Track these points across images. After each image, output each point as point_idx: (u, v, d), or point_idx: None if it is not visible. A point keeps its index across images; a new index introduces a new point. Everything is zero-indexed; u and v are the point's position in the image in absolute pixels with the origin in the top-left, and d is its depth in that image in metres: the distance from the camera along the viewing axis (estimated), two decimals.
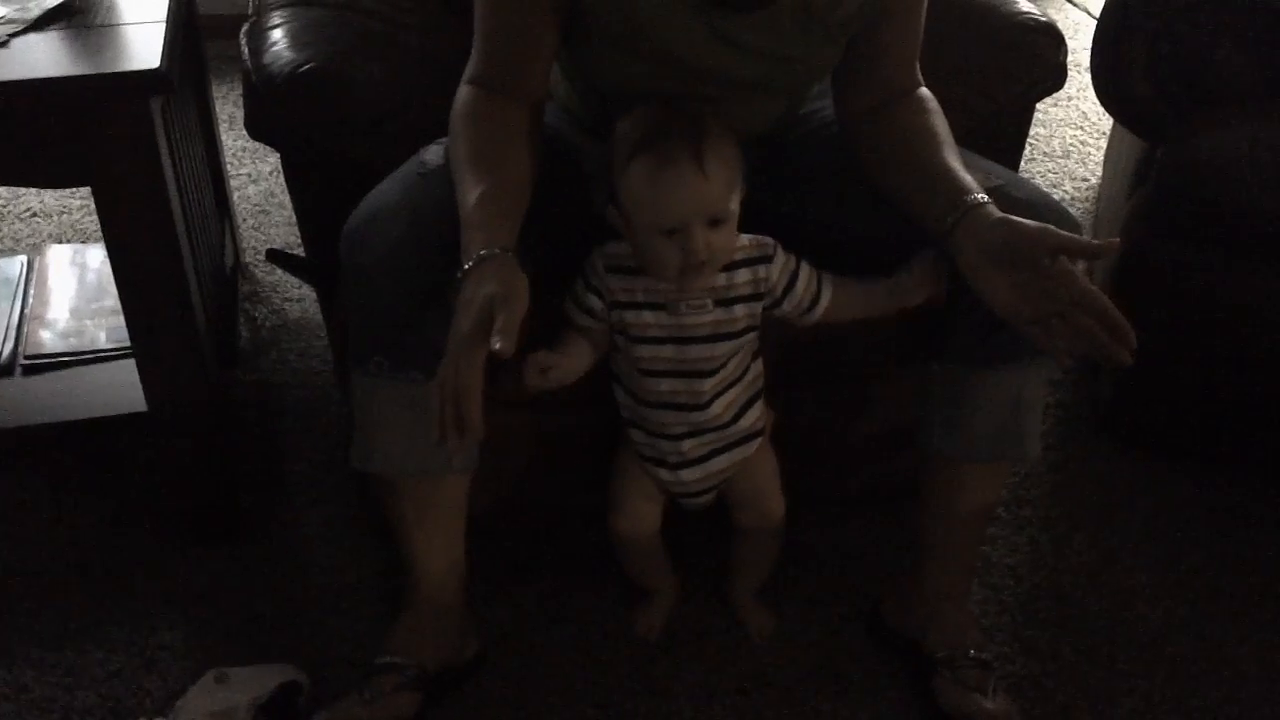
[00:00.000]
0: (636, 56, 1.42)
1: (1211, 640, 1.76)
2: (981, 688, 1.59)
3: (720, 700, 1.66)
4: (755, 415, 1.55)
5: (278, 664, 1.63)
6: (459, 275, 1.28)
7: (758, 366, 1.54)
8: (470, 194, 1.33)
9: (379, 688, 1.55)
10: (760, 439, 1.57)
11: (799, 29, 1.41)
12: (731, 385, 1.51)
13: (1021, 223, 1.32)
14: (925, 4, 1.48)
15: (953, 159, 1.43)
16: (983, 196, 1.36)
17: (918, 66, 1.52)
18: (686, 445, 1.52)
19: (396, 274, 1.36)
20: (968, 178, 1.40)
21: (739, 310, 1.46)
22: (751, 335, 1.49)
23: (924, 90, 1.51)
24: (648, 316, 1.46)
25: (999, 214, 1.34)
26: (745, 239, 1.45)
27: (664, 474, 1.56)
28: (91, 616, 1.76)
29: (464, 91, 1.43)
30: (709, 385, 1.48)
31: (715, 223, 1.37)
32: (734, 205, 1.39)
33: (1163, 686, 1.69)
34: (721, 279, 1.45)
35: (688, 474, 1.55)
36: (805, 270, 1.47)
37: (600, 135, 1.51)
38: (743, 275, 1.45)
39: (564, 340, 1.48)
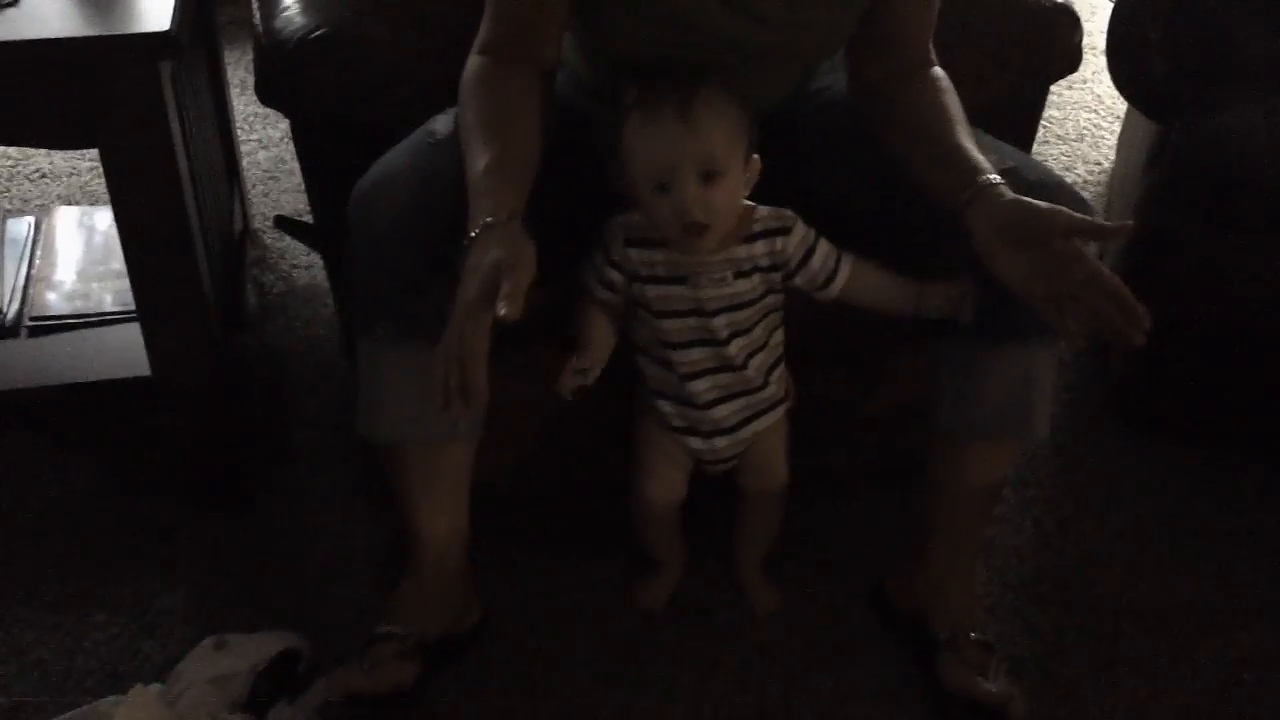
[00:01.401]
0: (650, 22, 1.41)
1: (1216, 622, 1.76)
2: (984, 669, 1.59)
3: (723, 674, 1.66)
4: (781, 381, 1.56)
5: (278, 631, 1.62)
6: (465, 242, 1.27)
7: (780, 335, 1.54)
8: (478, 161, 1.32)
9: (379, 656, 1.54)
10: (785, 405, 1.58)
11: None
12: (760, 349, 1.51)
13: (1034, 203, 1.32)
14: None
15: (965, 138, 1.42)
16: (996, 177, 1.36)
17: (931, 44, 1.51)
18: (720, 412, 1.53)
19: (404, 241, 1.36)
20: (980, 157, 1.39)
21: (756, 279, 1.46)
22: (773, 299, 1.50)
23: (937, 69, 1.50)
24: (669, 290, 1.45)
25: (1011, 194, 1.34)
26: (765, 210, 1.45)
27: (696, 443, 1.56)
28: (92, 580, 1.76)
29: (474, 60, 1.42)
30: (736, 349, 1.49)
31: (708, 177, 1.36)
32: (729, 160, 1.37)
33: (1167, 669, 1.69)
34: (741, 250, 1.44)
35: (720, 441, 1.55)
36: (824, 245, 1.47)
37: (612, 104, 1.50)
38: (760, 247, 1.45)
39: (586, 330, 1.48)
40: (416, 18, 1.63)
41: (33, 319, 1.91)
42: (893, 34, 1.48)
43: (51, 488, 1.91)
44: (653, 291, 1.46)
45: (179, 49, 1.49)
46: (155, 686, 1.55)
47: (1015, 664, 1.68)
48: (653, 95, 1.37)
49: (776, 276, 1.47)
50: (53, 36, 1.46)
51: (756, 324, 1.49)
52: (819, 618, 1.74)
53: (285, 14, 1.57)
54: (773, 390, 1.55)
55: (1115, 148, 2.60)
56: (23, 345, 1.87)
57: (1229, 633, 1.74)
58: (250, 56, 1.61)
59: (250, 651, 1.58)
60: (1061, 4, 1.73)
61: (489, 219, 1.26)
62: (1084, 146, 2.85)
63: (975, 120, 1.54)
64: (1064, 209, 1.31)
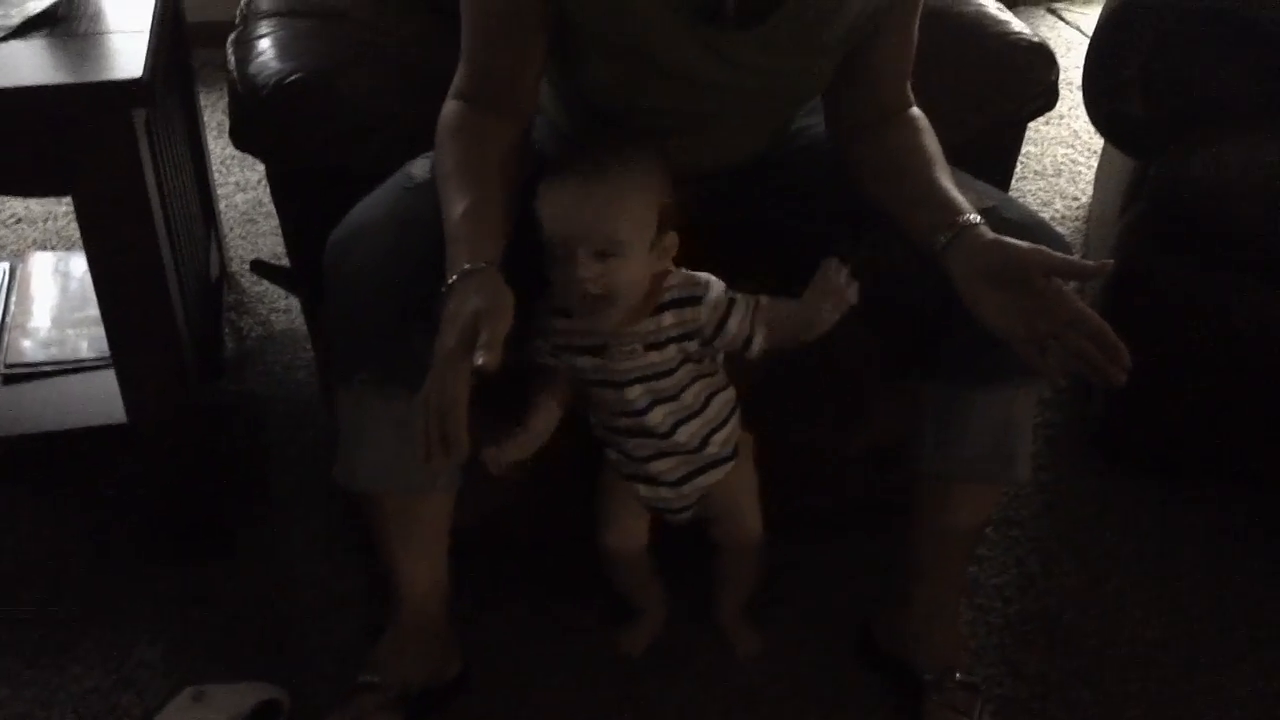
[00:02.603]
0: (628, 70, 1.40)
1: (1202, 662, 1.75)
2: (969, 711, 1.58)
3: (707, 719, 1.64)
4: (723, 440, 1.52)
5: (257, 682, 1.61)
6: (443, 289, 1.26)
7: (725, 397, 1.50)
8: (455, 207, 1.31)
9: (360, 707, 1.53)
10: (733, 462, 1.54)
11: (794, 45, 1.40)
12: (693, 416, 1.47)
13: (1014, 244, 1.32)
14: (916, 23, 1.47)
15: (944, 178, 1.42)
16: (975, 217, 1.36)
17: (909, 86, 1.51)
18: (657, 467, 1.50)
19: (381, 289, 1.34)
20: (960, 198, 1.39)
21: (671, 350, 1.41)
22: (700, 366, 1.46)
23: (915, 110, 1.51)
24: (583, 361, 1.43)
25: (992, 235, 1.34)
26: (678, 278, 1.41)
27: (643, 490, 1.54)
28: (68, 631, 1.74)
29: (450, 107, 1.41)
30: (659, 416, 1.45)
31: (603, 255, 1.33)
32: (629, 241, 1.33)
33: (1152, 710, 1.68)
34: (649, 323, 1.40)
35: (665, 492, 1.53)
36: (740, 310, 1.40)
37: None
38: (669, 318, 1.40)
39: (533, 405, 1.45)
40: (392, 64, 1.62)
41: (8, 366, 1.89)
42: (871, 78, 1.48)
43: (26, 537, 1.88)
44: (569, 360, 1.44)
45: (152, 96, 1.48)
46: None
47: (1001, 705, 1.66)
48: (563, 164, 1.34)
49: (693, 345, 1.42)
50: (24, 85, 1.45)
51: (684, 390, 1.45)
52: (802, 661, 1.72)
53: (260, 59, 1.57)
54: (714, 451, 1.51)
55: (1093, 183, 2.61)
56: None
57: (1215, 673, 1.73)
58: (227, 99, 1.60)
59: (229, 703, 1.57)
60: (1037, 43, 1.73)
61: (467, 266, 1.26)
62: (1061, 182, 2.87)
63: (954, 159, 1.54)
64: (1044, 249, 1.31)
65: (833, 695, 1.68)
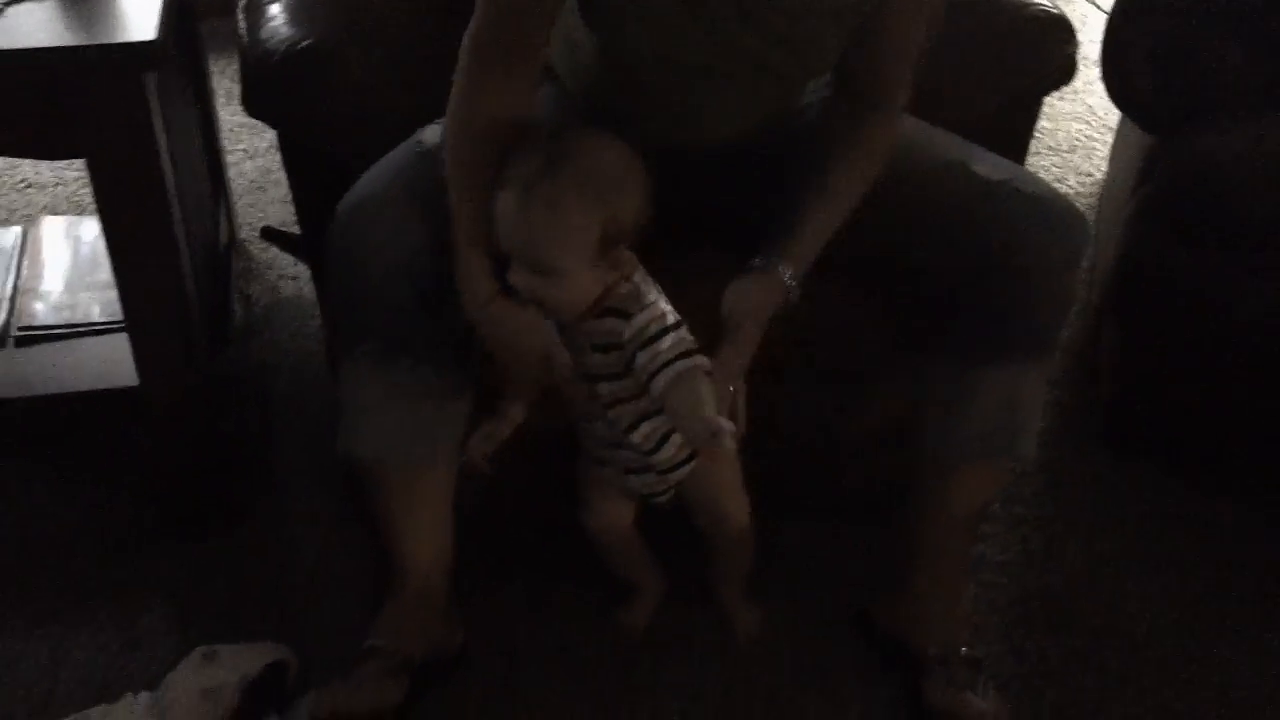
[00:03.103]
0: (664, 22, 1.36)
1: (1201, 645, 1.75)
2: (972, 686, 1.58)
3: (707, 699, 1.64)
4: (678, 445, 1.45)
5: (266, 643, 1.61)
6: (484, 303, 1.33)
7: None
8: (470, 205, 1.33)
9: (366, 673, 1.53)
10: (689, 466, 1.48)
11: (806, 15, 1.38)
12: (647, 418, 1.42)
13: (730, 325, 1.39)
14: (920, 29, 1.45)
15: (815, 220, 1.43)
16: (783, 270, 1.41)
17: (896, 87, 1.47)
18: (619, 454, 1.48)
19: (389, 260, 1.34)
20: (796, 248, 1.42)
21: (614, 355, 1.37)
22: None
23: (890, 121, 1.47)
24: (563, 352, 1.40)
25: (748, 291, 1.40)
26: (627, 288, 1.36)
27: (613, 476, 1.53)
28: (76, 594, 1.75)
29: (470, 63, 1.36)
30: (617, 413, 1.41)
31: (541, 271, 1.30)
32: (564, 262, 1.30)
33: (1152, 690, 1.68)
34: (590, 324, 1.36)
35: (634, 480, 1.51)
36: (664, 347, 1.33)
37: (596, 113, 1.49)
38: (607, 324, 1.36)
39: (502, 394, 1.46)
40: (403, 30, 1.62)
41: (20, 329, 1.90)
42: (870, 64, 1.45)
43: (36, 500, 1.89)
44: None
45: (164, 59, 1.48)
46: (145, 695, 1.54)
47: (1001, 682, 1.67)
48: (514, 167, 1.30)
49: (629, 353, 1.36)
50: (37, 46, 1.45)
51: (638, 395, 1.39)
52: (802, 642, 1.72)
53: (271, 25, 1.56)
54: (666, 455, 1.45)
55: (1107, 159, 2.60)
56: (9, 355, 1.86)
57: (1215, 656, 1.74)
58: (236, 66, 1.60)
59: (240, 662, 1.57)
60: (1056, 15, 1.71)
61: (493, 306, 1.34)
62: (1076, 158, 2.85)
63: (969, 133, 1.54)
64: (730, 359, 1.37)
65: (833, 676, 1.68)
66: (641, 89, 1.46)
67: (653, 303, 1.35)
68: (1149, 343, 1.29)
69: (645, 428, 1.42)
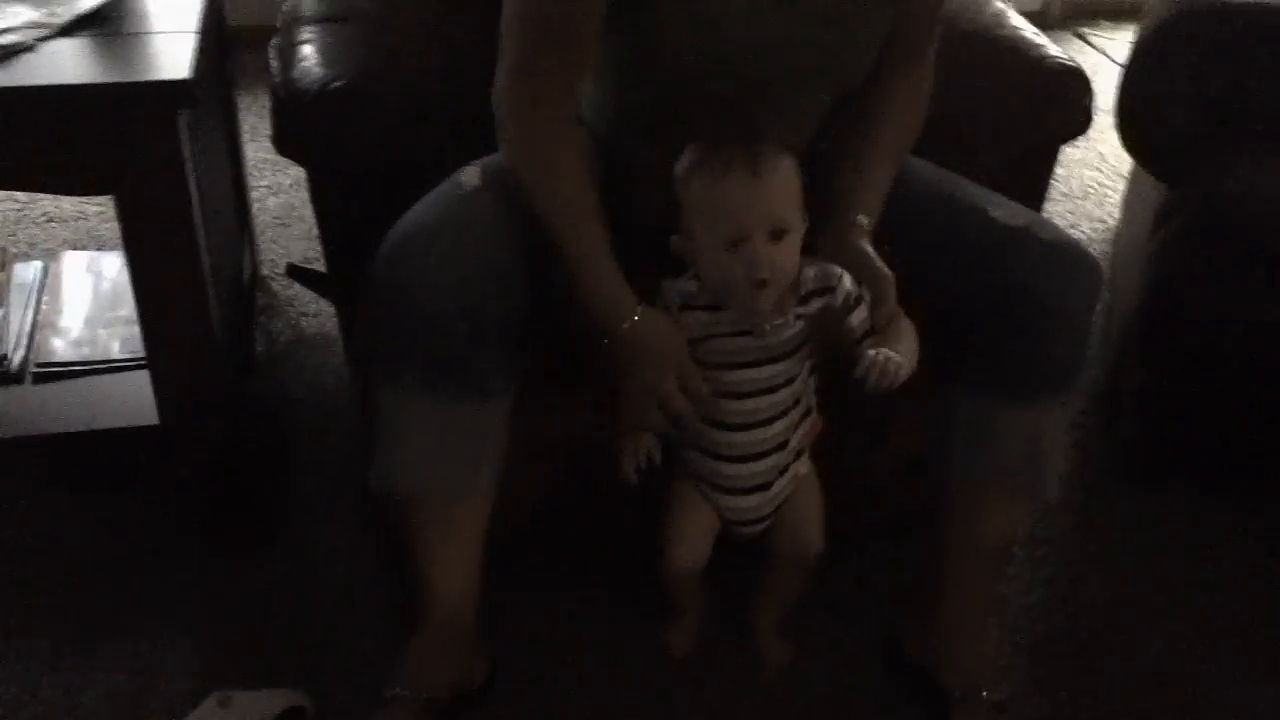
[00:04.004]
0: (704, 36, 1.40)
1: (1231, 683, 1.74)
2: None
3: None
4: (803, 431, 1.54)
5: (283, 689, 1.60)
6: (624, 328, 1.39)
7: (812, 383, 1.53)
8: (597, 234, 1.40)
9: (389, 717, 1.52)
10: (805, 458, 1.56)
11: (854, 19, 1.43)
12: (795, 404, 1.50)
13: (875, 264, 1.42)
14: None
15: (875, 168, 1.50)
16: (864, 219, 1.46)
17: (927, 40, 1.55)
18: (753, 468, 1.51)
19: (436, 293, 1.34)
20: (866, 196, 1.48)
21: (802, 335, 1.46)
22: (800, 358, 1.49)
23: (924, 74, 1.56)
24: (737, 343, 1.44)
25: (860, 245, 1.44)
26: (814, 266, 1.43)
27: (726, 500, 1.54)
28: (94, 632, 1.73)
29: (509, 108, 1.40)
30: (786, 395, 1.48)
31: (778, 234, 1.36)
32: (794, 217, 1.38)
33: None
34: (798, 307, 1.43)
35: (750, 500, 1.53)
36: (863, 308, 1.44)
37: (623, 141, 1.50)
38: (814, 305, 1.44)
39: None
40: (435, 70, 1.63)
41: (39, 365, 1.89)
42: (899, 20, 1.49)
43: (53, 537, 1.88)
44: (718, 345, 1.45)
45: (197, 98, 1.49)
46: None
47: None
48: (717, 154, 1.37)
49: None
50: (70, 83, 1.46)
51: (802, 370, 1.49)
52: (829, 674, 1.72)
53: (303, 65, 1.58)
54: (794, 443, 1.53)
55: (1120, 206, 2.61)
56: (28, 392, 1.85)
57: (1244, 694, 1.73)
58: (261, 102, 1.62)
59: (255, 709, 1.56)
60: (1073, 66, 1.73)
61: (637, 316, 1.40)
62: (1089, 204, 2.87)
63: (987, 181, 1.56)
64: (887, 282, 1.41)
65: (859, 709, 1.67)
66: (685, 104, 1.47)
67: (841, 271, 1.43)
68: (1174, 377, 1.31)
69: (780, 425, 1.49)
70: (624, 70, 1.50)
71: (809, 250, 1.43)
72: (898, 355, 1.37)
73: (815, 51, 1.46)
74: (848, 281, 1.42)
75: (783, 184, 1.37)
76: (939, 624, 1.64)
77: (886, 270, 1.42)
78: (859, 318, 1.43)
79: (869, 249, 1.44)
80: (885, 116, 1.53)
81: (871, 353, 1.36)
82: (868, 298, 1.42)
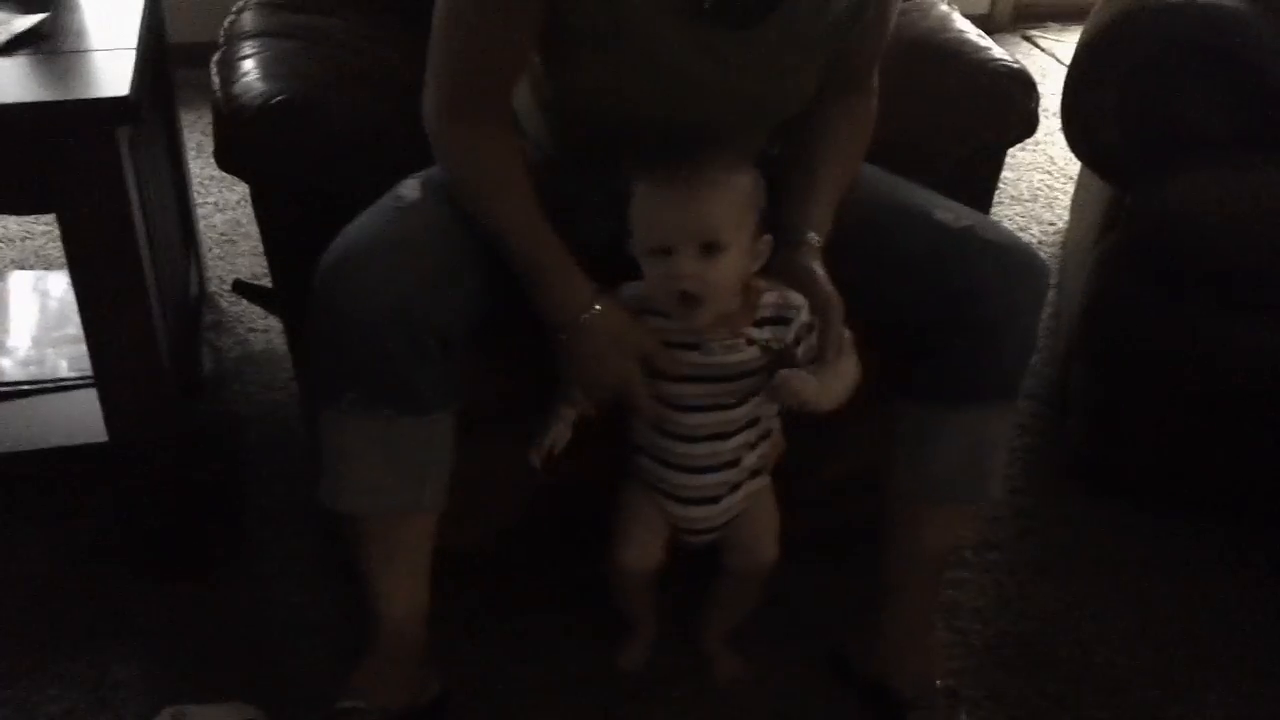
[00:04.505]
0: (622, 72, 1.40)
1: (1177, 687, 1.76)
2: (952, 718, 1.59)
3: None
4: (761, 452, 1.54)
5: (236, 702, 1.60)
6: (585, 318, 1.39)
7: (772, 407, 1.51)
8: (531, 232, 1.39)
9: None
10: (763, 476, 1.56)
11: (785, 46, 1.41)
12: (751, 425, 1.50)
13: (819, 282, 1.42)
14: (894, 11, 1.51)
15: (824, 184, 1.49)
16: (814, 236, 1.45)
17: (874, 70, 1.55)
18: (701, 480, 1.51)
19: (372, 308, 1.34)
20: (816, 212, 1.47)
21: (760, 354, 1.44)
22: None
23: (868, 98, 1.56)
24: (686, 355, 1.44)
25: (806, 263, 1.43)
26: (771, 296, 1.43)
27: (674, 508, 1.54)
28: (45, 651, 1.72)
29: (443, 125, 1.41)
30: (740, 414, 1.47)
31: (709, 249, 1.35)
32: (732, 234, 1.36)
33: None
34: (751, 330, 1.42)
35: (697, 511, 1.53)
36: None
37: (568, 170, 1.51)
38: (766, 332, 1.43)
39: (557, 410, 1.48)
40: (376, 85, 1.63)
41: None
42: (842, 53, 1.49)
43: (6, 556, 1.87)
44: (663, 357, 1.44)
45: (137, 115, 1.49)
46: None
47: None
48: (662, 162, 1.37)
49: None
50: (9, 102, 1.45)
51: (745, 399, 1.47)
52: (781, 684, 1.72)
53: (244, 80, 1.57)
54: (749, 462, 1.52)
55: (1069, 209, 2.64)
56: None
57: (1191, 699, 1.74)
58: (207, 119, 1.61)
59: None
60: (1017, 69, 1.74)
61: (598, 306, 1.40)
62: (1038, 207, 2.89)
63: (935, 185, 1.56)
64: (835, 307, 1.40)
65: (814, 715, 1.68)
66: (607, 138, 1.48)
67: (801, 301, 1.43)
68: (1117, 382, 1.31)
69: (733, 443, 1.49)
70: (555, 109, 1.51)
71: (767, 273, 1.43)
72: (808, 376, 1.37)
73: (751, 100, 1.46)
74: (805, 314, 1.42)
75: (723, 199, 1.35)
76: (885, 633, 1.64)
77: (835, 294, 1.41)
78: (805, 346, 1.42)
79: (818, 269, 1.43)
80: (832, 141, 1.53)
81: (783, 372, 1.37)
82: (816, 324, 1.41)
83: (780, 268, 1.44)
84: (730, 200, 1.36)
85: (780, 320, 1.42)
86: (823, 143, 1.52)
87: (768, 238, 1.41)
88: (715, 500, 1.53)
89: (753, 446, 1.52)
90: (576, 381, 1.44)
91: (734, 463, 1.51)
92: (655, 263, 1.38)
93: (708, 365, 1.43)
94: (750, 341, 1.42)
